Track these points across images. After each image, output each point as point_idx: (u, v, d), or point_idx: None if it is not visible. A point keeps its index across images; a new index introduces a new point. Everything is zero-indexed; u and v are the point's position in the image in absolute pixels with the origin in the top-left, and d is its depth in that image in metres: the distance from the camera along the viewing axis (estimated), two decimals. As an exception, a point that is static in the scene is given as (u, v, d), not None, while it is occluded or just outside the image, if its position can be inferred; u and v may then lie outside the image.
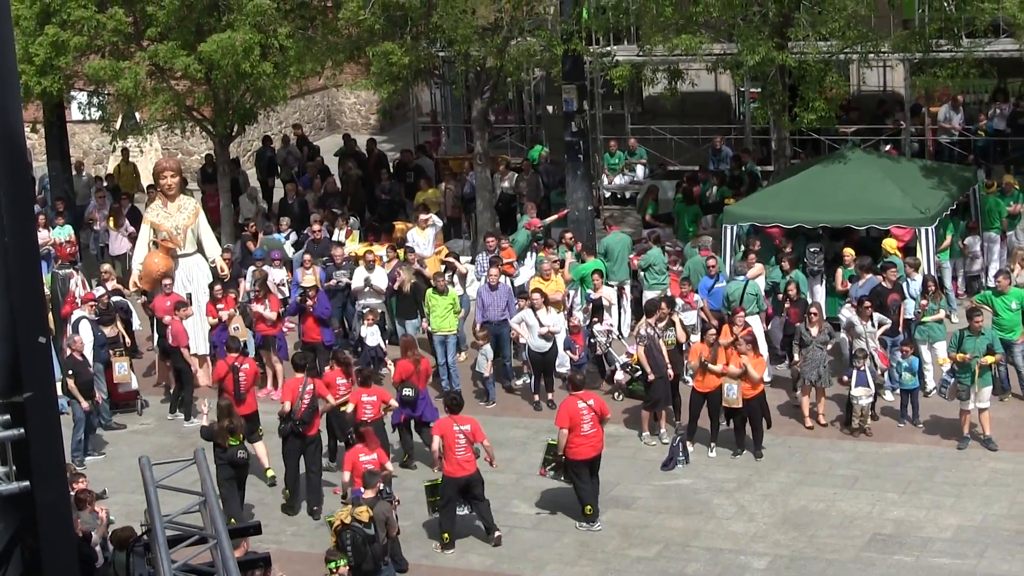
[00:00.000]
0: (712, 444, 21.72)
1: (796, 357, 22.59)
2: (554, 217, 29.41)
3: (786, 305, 23.52)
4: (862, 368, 21.77)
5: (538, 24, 29.81)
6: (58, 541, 9.10)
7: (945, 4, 26.25)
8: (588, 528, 19.59)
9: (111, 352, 24.26)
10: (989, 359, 21.09)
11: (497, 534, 19.31)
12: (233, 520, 18.26)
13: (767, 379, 23.26)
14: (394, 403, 21.26)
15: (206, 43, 27.94)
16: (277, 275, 26.97)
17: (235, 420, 19.78)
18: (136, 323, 26.76)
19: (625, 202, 33.95)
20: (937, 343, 22.84)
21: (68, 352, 22.76)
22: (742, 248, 25.79)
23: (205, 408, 20.46)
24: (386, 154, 36.62)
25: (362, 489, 18.20)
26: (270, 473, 21.02)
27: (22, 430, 8.64)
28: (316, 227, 28.56)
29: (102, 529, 17.64)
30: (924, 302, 23.01)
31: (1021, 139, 30.76)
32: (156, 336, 25.45)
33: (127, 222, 30.80)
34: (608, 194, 33.95)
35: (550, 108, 33.01)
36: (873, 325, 22.36)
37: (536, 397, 23.98)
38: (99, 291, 26.23)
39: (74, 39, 28.47)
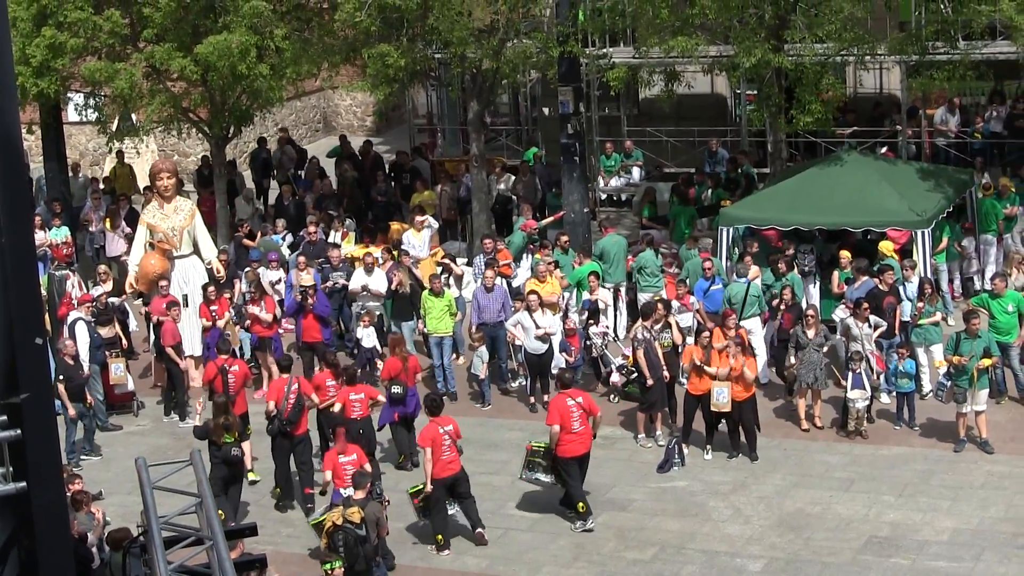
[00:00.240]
0: (708, 447, 21.72)
1: (792, 360, 22.57)
2: (550, 219, 29.43)
3: (781, 308, 23.45)
4: (858, 371, 21.77)
5: (534, 26, 29.83)
6: (54, 542, 9.07)
7: (942, 6, 26.28)
8: (583, 526, 19.61)
9: (107, 353, 24.25)
10: (986, 362, 21.09)
11: (479, 531, 19.38)
12: (221, 514, 18.30)
13: (763, 380, 23.28)
14: (381, 398, 21.38)
15: (202, 45, 27.96)
16: (274, 276, 26.98)
17: (231, 418, 19.89)
18: (132, 324, 26.76)
19: (621, 204, 33.96)
20: (933, 346, 22.85)
21: (60, 356, 22.74)
22: (737, 251, 25.79)
23: (200, 408, 20.48)
24: (382, 156, 36.61)
25: (342, 490, 18.28)
26: (252, 476, 21.16)
27: (19, 431, 8.62)
28: (312, 229, 28.57)
29: (99, 530, 17.62)
30: (920, 305, 23.01)
31: (1018, 141, 30.75)
32: (152, 337, 25.45)
33: (124, 223, 30.78)
34: (604, 196, 33.95)
35: (546, 110, 33.02)
36: (870, 327, 22.36)
37: (532, 399, 23.98)
38: (97, 290, 26.21)
39: (71, 41, 28.48)
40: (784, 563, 18.39)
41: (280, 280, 27.03)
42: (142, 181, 34.18)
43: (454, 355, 25.26)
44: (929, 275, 24.40)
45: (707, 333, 21.83)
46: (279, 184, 34.58)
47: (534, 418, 23.32)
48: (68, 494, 16.29)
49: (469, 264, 28.01)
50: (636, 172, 33.86)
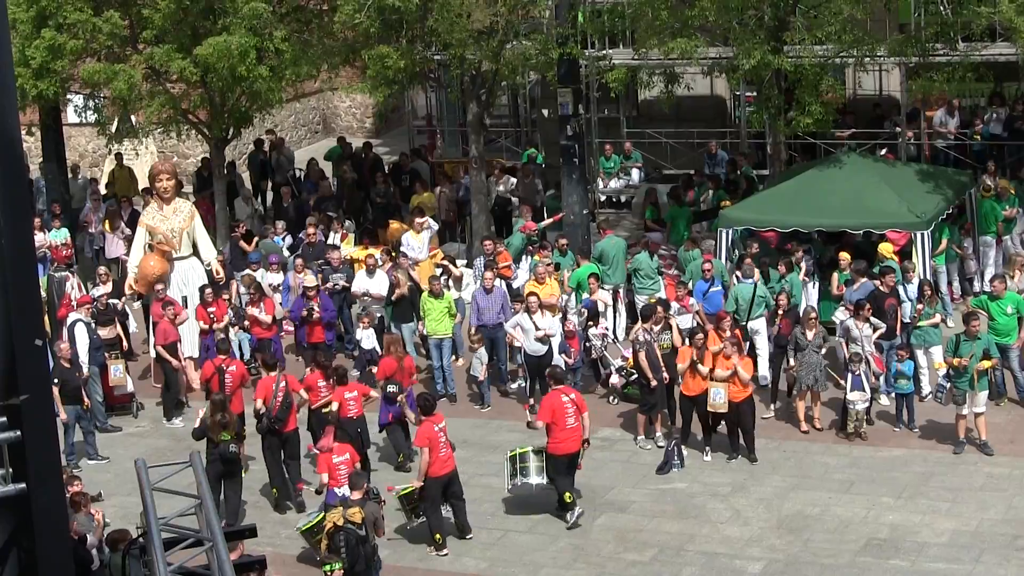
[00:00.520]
0: (707, 448, 21.72)
1: (792, 362, 22.57)
2: (549, 220, 29.43)
3: (779, 314, 23.40)
4: (858, 372, 21.77)
5: (534, 28, 29.81)
6: (54, 544, 9.09)
7: (941, 8, 26.27)
8: (572, 517, 19.73)
9: (107, 355, 24.26)
10: (985, 364, 21.09)
11: (469, 536, 19.47)
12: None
13: (763, 382, 23.28)
14: (374, 393, 21.54)
15: (202, 46, 27.94)
16: (275, 279, 27.01)
17: (228, 415, 19.95)
18: (132, 326, 26.76)
19: (620, 206, 33.96)
20: (933, 347, 22.84)
21: (55, 358, 22.72)
22: (738, 252, 25.79)
23: (200, 413, 20.50)
24: (381, 158, 36.62)
25: (336, 490, 18.29)
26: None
27: (18, 432, 8.63)
28: (311, 230, 28.59)
29: (99, 531, 17.62)
30: (920, 307, 23.01)
31: (1017, 143, 30.76)
32: (152, 339, 25.45)
33: (123, 224, 30.78)
34: (603, 198, 33.95)
35: (545, 112, 33.01)
36: (870, 329, 22.36)
37: (532, 401, 23.95)
38: (97, 291, 26.20)
39: (70, 42, 28.46)
40: (783, 565, 18.39)
41: (279, 283, 27.04)
42: (142, 183, 34.18)
43: (453, 357, 25.27)
44: (928, 277, 24.40)
45: (700, 335, 21.83)
46: (278, 186, 34.59)
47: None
48: (67, 495, 16.30)
49: (468, 266, 28.03)
50: (635, 174, 33.87)
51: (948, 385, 21.45)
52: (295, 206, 32.46)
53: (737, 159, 32.23)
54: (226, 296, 25.81)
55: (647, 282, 25.86)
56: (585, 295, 25.18)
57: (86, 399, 23.00)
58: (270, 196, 35.82)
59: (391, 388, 21.53)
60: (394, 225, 29.63)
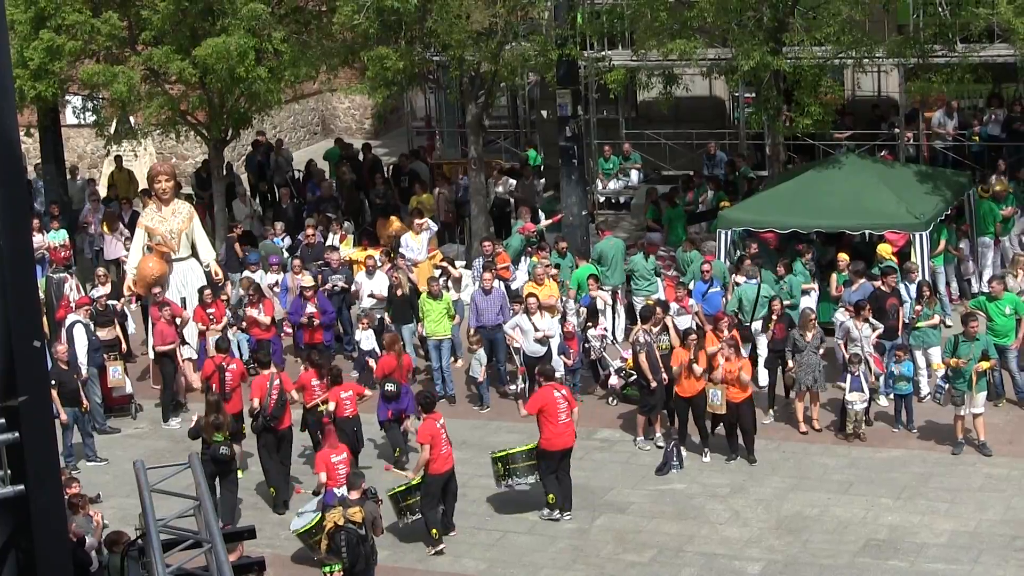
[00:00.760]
0: (705, 449, 21.72)
1: (790, 363, 22.57)
2: (548, 221, 29.42)
3: (773, 318, 23.34)
4: (857, 373, 21.77)
5: (532, 29, 29.79)
6: (52, 545, 9.09)
7: (940, 9, 26.27)
8: (548, 515, 19.85)
9: (106, 356, 24.25)
10: (984, 365, 21.09)
11: (453, 533, 19.61)
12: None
13: (763, 383, 23.27)
14: (368, 392, 21.64)
15: (201, 47, 27.93)
16: (274, 280, 27.02)
17: (222, 416, 19.99)
18: (131, 327, 26.75)
19: (619, 207, 33.98)
20: (931, 348, 22.84)
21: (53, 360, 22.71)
22: (738, 252, 25.80)
23: (199, 415, 20.52)
24: (380, 159, 36.62)
25: (336, 490, 18.31)
26: (240, 475, 21.25)
27: (16, 434, 8.63)
28: (310, 231, 28.59)
29: (98, 533, 17.61)
30: (919, 307, 23.02)
31: (1015, 144, 30.76)
32: (150, 340, 25.45)
33: (122, 226, 30.78)
34: (602, 199, 33.96)
35: (544, 113, 33.00)
36: (869, 329, 22.36)
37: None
38: (96, 292, 26.20)
39: (69, 43, 28.44)
40: (782, 565, 18.39)
41: (277, 283, 27.06)
42: (142, 185, 34.17)
43: (452, 358, 25.28)
44: (927, 278, 24.40)
45: (694, 336, 21.83)
46: (277, 187, 34.60)
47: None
48: (66, 497, 16.29)
49: (467, 267, 28.03)
50: (634, 175, 33.88)
51: (947, 386, 21.45)
52: (294, 207, 32.45)
53: (736, 160, 32.25)
54: (224, 297, 25.82)
55: (643, 283, 25.88)
56: (584, 293, 25.19)
57: (84, 401, 22.99)
58: (269, 196, 35.81)
59: (389, 386, 21.59)
60: (396, 224, 29.60)
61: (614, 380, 23.92)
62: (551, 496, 19.87)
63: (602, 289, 25.47)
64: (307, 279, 25.76)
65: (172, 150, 38.99)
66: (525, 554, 19.16)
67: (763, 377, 23.47)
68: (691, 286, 25.01)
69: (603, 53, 30.41)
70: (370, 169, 34.72)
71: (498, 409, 24.25)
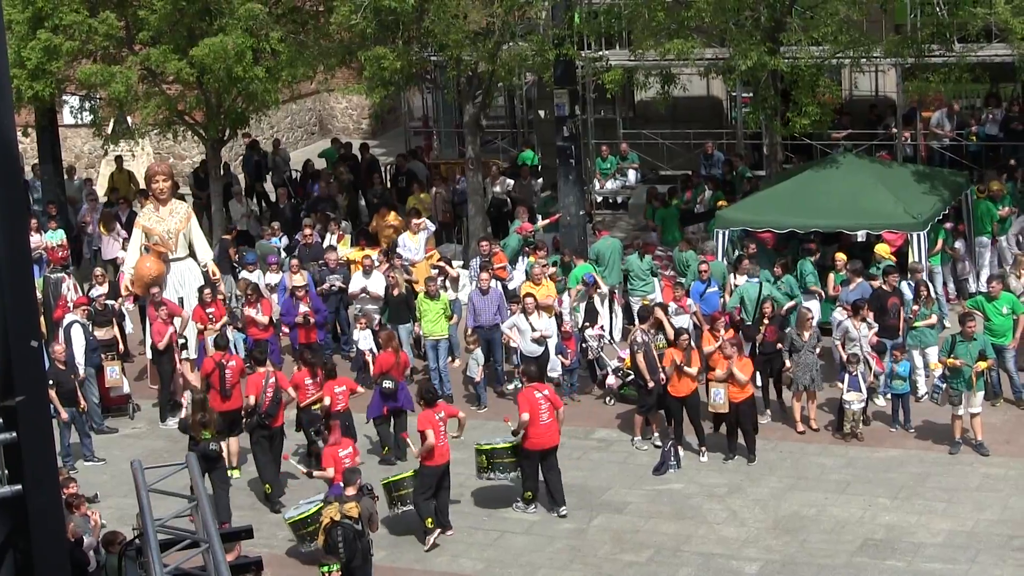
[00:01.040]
0: (703, 449, 21.72)
1: (788, 363, 22.57)
2: (546, 221, 29.43)
3: (765, 320, 23.28)
4: (855, 373, 21.78)
5: (530, 29, 29.80)
6: (50, 545, 9.08)
7: (937, 9, 26.27)
8: (524, 508, 20.04)
9: (103, 356, 24.25)
10: (981, 365, 21.09)
11: (450, 533, 19.61)
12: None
13: (760, 383, 23.28)
14: (361, 389, 21.82)
15: (198, 47, 27.94)
16: (273, 279, 27.02)
17: (209, 414, 20.08)
18: (128, 327, 26.75)
19: (617, 207, 33.99)
20: (929, 348, 22.85)
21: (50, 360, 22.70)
22: (736, 252, 25.80)
23: (185, 401, 20.58)
24: (378, 159, 36.62)
25: (342, 485, 18.34)
26: (235, 474, 21.36)
27: (14, 434, 8.62)
28: (307, 231, 28.58)
29: (96, 532, 17.61)
30: (916, 307, 23.02)
31: (1014, 144, 30.77)
32: (148, 340, 25.45)
33: (119, 226, 30.77)
34: (599, 199, 33.96)
35: (542, 113, 33.02)
36: (867, 329, 22.36)
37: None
38: (97, 291, 26.19)
39: (66, 43, 28.46)
40: (780, 565, 18.40)
41: (274, 285, 27.05)
42: (142, 185, 34.18)
43: (450, 358, 25.28)
44: (924, 278, 24.39)
45: (686, 336, 21.83)
46: (275, 187, 34.59)
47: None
48: (63, 497, 16.28)
49: (465, 267, 28.02)
50: (632, 175, 33.89)
51: (944, 386, 21.45)
52: (292, 207, 32.45)
53: (733, 160, 32.25)
54: (222, 297, 25.81)
55: (638, 284, 25.88)
56: (586, 273, 25.27)
57: (82, 401, 22.98)
58: (264, 202, 35.81)
59: (387, 384, 21.62)
60: (392, 216, 29.57)
61: (611, 380, 23.92)
62: (528, 493, 20.06)
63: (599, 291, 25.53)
64: (297, 278, 25.76)
65: (169, 150, 38.98)
66: (522, 554, 19.16)
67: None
68: (690, 286, 25.02)
69: (600, 53, 30.39)
70: (368, 169, 34.72)
71: (495, 409, 24.21)
